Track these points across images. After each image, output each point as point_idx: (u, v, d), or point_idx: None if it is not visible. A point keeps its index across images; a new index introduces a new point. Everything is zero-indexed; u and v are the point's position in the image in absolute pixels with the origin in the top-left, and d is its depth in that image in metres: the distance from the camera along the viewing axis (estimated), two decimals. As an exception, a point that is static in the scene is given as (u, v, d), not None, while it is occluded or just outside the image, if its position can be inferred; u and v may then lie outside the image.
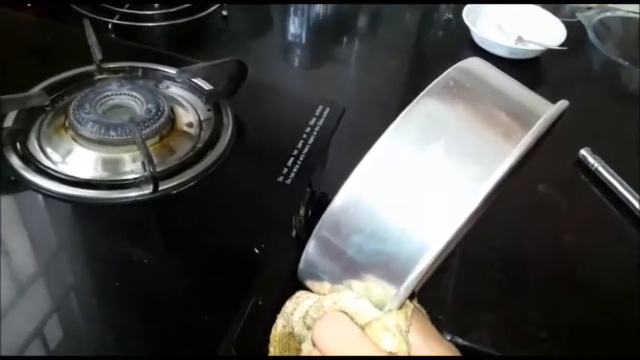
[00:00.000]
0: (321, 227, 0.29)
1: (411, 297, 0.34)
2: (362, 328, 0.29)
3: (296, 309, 0.32)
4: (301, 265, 0.30)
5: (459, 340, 0.52)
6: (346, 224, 0.28)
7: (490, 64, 0.33)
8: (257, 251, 0.47)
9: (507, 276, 0.58)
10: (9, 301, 0.42)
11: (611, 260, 0.60)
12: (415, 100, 0.29)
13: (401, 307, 0.30)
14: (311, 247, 0.30)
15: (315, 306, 0.31)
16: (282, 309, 0.34)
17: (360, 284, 0.29)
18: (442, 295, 0.55)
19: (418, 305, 0.35)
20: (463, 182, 0.27)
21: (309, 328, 0.31)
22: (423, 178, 0.27)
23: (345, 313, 0.29)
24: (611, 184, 0.65)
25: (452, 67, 0.31)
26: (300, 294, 0.33)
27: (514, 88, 0.32)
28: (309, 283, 0.32)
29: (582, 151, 0.69)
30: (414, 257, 0.27)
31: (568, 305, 0.56)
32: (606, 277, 0.59)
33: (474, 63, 0.32)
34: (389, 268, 0.28)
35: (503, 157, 0.27)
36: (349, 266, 0.29)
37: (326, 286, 0.31)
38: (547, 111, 0.29)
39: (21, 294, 0.44)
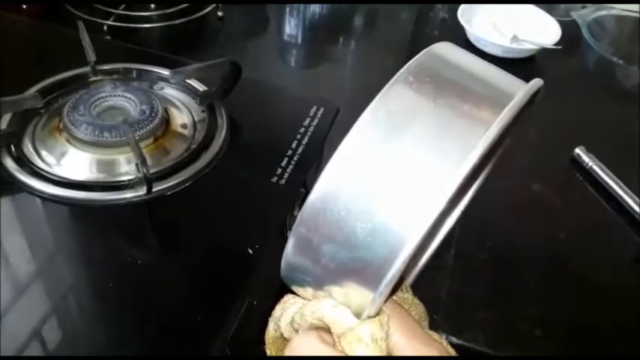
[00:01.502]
0: (298, 226, 0.29)
1: (394, 291, 0.34)
2: (338, 338, 0.29)
3: (283, 314, 0.32)
4: (282, 265, 0.30)
5: (454, 339, 0.52)
6: (317, 233, 0.28)
7: (461, 48, 0.32)
8: (251, 252, 0.47)
9: (502, 274, 0.58)
10: (6, 303, 0.43)
11: (605, 258, 0.61)
12: (381, 92, 0.28)
13: (378, 313, 0.29)
14: (290, 247, 0.29)
15: (299, 313, 0.31)
16: (272, 313, 0.34)
17: (339, 290, 0.29)
18: (437, 293, 0.55)
19: (411, 297, 0.35)
20: (430, 180, 0.26)
21: (297, 331, 0.31)
22: (388, 178, 0.27)
23: (324, 322, 0.29)
24: (606, 183, 0.65)
25: (420, 53, 0.30)
26: (287, 298, 0.33)
27: (486, 70, 0.31)
28: (294, 288, 0.32)
29: (577, 150, 0.69)
30: (386, 262, 0.26)
31: (563, 303, 0.56)
32: (601, 275, 0.59)
33: (443, 48, 0.31)
34: (364, 274, 0.27)
35: (474, 144, 0.26)
36: (326, 273, 0.29)
37: (309, 291, 0.31)
38: (519, 91, 0.28)
39: (19, 295, 0.44)
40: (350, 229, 0.27)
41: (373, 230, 0.27)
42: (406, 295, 0.35)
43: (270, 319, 0.34)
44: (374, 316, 0.29)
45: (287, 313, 0.32)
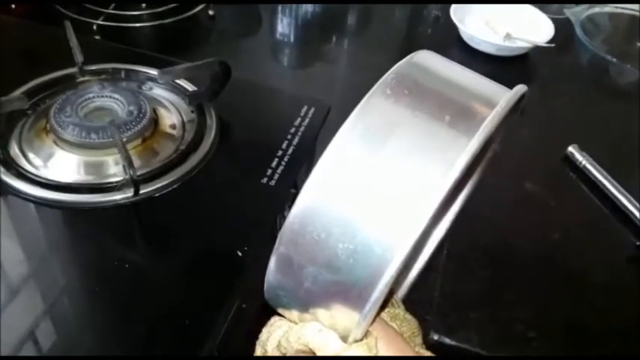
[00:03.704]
0: (279, 247, 0.28)
1: (384, 306, 0.33)
2: None
3: (269, 338, 0.32)
4: (266, 286, 0.30)
5: (447, 340, 0.52)
6: (297, 255, 0.27)
7: (441, 56, 0.31)
8: (240, 254, 0.47)
9: (495, 274, 0.58)
10: None
11: (599, 258, 0.60)
12: (358, 106, 0.27)
13: (366, 335, 0.29)
14: (272, 269, 0.28)
15: (285, 337, 0.30)
16: (259, 336, 0.33)
17: (325, 312, 0.28)
18: (430, 294, 0.55)
19: (402, 312, 0.35)
20: (410, 198, 0.25)
21: (285, 355, 0.31)
22: (368, 196, 0.26)
23: (309, 348, 0.29)
24: (599, 181, 0.65)
25: (398, 64, 0.29)
26: (274, 321, 0.32)
27: (467, 78, 0.30)
28: (280, 310, 0.31)
29: (570, 148, 0.68)
30: (369, 285, 0.25)
31: (556, 302, 0.56)
32: (595, 275, 0.59)
33: (421, 57, 0.30)
34: (348, 297, 0.27)
35: (454, 159, 0.25)
36: (310, 295, 0.28)
37: (294, 313, 0.30)
38: (501, 100, 0.27)
39: (9, 298, 0.43)
40: (331, 251, 0.26)
41: (355, 252, 0.26)
42: (397, 310, 0.34)
43: (258, 342, 0.33)
44: (361, 340, 0.29)
45: (273, 337, 0.32)
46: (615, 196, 0.64)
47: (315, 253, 0.26)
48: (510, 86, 0.35)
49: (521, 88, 0.29)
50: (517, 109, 0.30)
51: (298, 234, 0.27)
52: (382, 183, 0.26)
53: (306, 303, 0.29)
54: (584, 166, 0.66)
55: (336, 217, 0.26)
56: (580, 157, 0.67)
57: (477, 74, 0.31)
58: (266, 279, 0.29)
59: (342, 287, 0.26)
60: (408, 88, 0.28)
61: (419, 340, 0.34)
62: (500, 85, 0.30)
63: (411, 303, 0.40)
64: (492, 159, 0.39)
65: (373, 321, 0.29)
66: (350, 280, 0.26)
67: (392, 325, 0.33)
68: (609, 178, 0.65)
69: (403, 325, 0.33)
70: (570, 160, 0.68)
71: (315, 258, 0.27)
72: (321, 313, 0.28)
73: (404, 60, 0.29)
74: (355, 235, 0.26)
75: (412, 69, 0.29)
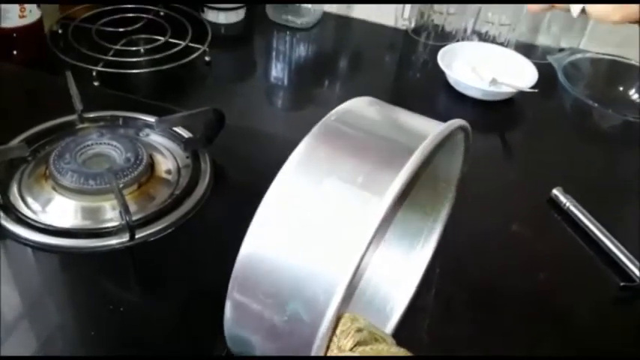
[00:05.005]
0: (227, 321, 0.32)
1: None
2: None
3: None
4: (232, 352, 0.32)
5: (436, 382, 0.52)
6: (243, 328, 0.30)
7: (377, 100, 0.33)
8: (232, 297, 0.48)
9: (482, 315, 0.59)
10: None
11: (585, 300, 0.61)
12: (277, 177, 0.30)
13: None
14: (230, 334, 0.32)
15: None
16: None
17: None
18: (418, 335, 0.56)
19: (386, 348, 0.35)
20: (328, 268, 0.28)
21: None
22: (292, 267, 0.29)
23: None
24: (583, 223, 0.67)
25: (333, 111, 0.31)
26: None
27: (400, 119, 0.32)
28: None
29: (554, 191, 0.70)
30: (307, 347, 0.28)
31: (543, 342, 0.57)
32: (581, 316, 0.60)
33: (355, 103, 0.33)
34: (295, 353, 0.29)
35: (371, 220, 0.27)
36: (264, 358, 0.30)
37: None
38: (430, 135, 0.30)
39: (5, 339, 0.44)
40: (268, 322, 0.29)
41: (288, 322, 0.29)
42: (381, 346, 0.35)
43: None
44: None
45: None
46: (598, 238, 0.65)
47: (256, 324, 0.30)
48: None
49: (453, 123, 0.31)
50: (468, 135, 0.32)
51: (239, 310, 0.30)
52: (302, 249, 0.29)
53: None
54: (569, 208, 0.68)
55: (267, 288, 0.29)
56: (564, 199, 0.69)
57: (412, 115, 0.33)
58: (228, 346, 0.31)
59: (287, 351, 0.29)
60: (332, 141, 0.31)
61: None
62: (437, 125, 0.32)
63: (403, 341, 0.41)
64: (460, 180, 0.40)
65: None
66: (290, 345, 0.29)
67: None
68: (592, 219, 0.67)
69: None
70: (555, 203, 0.70)
71: (257, 328, 0.30)
72: None
73: (334, 111, 0.32)
74: (286, 305, 0.29)
75: (343, 117, 0.32)
